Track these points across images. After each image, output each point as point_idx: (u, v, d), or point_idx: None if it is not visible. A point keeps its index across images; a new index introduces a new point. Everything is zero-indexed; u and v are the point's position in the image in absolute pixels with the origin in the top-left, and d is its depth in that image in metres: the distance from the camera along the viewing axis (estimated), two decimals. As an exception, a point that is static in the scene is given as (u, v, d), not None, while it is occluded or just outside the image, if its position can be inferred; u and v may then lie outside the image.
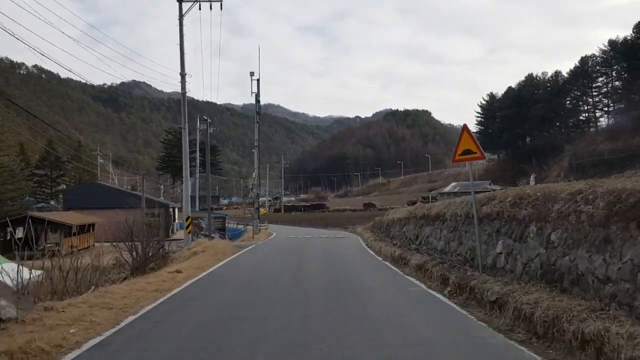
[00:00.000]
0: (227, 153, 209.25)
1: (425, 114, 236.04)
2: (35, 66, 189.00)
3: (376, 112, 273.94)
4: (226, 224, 43.68)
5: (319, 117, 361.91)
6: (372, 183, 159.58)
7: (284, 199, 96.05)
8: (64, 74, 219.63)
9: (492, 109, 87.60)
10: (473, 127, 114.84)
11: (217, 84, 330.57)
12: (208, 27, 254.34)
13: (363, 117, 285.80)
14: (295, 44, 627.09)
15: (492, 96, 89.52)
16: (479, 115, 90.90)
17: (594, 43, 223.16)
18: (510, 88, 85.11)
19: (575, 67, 71.78)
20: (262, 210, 69.55)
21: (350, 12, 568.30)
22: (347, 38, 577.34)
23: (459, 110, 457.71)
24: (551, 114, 71.40)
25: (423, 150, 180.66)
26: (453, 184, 64.52)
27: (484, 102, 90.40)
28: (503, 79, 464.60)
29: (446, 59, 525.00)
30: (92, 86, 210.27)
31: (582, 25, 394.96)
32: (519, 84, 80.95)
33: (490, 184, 60.49)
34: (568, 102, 73.16)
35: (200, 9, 24.68)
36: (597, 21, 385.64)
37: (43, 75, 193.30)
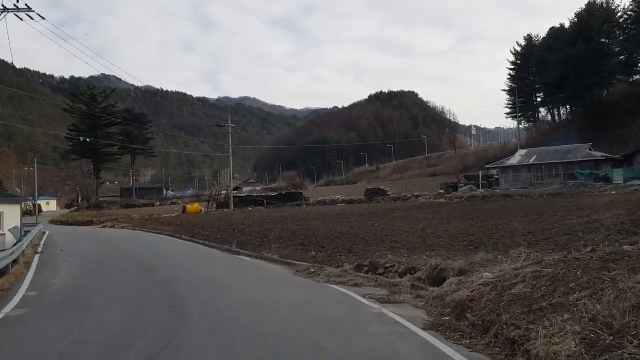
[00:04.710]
0: (198, 144, 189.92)
1: (412, 95, 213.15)
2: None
3: (354, 103, 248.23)
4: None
5: (296, 110, 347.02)
6: (357, 171, 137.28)
7: (246, 189, 69.12)
8: (19, 65, 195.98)
9: (530, 56, 63.11)
10: (503, 86, 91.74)
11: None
12: (177, 22, 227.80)
13: (341, 107, 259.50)
14: (266, 38, 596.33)
15: (529, 40, 64.80)
16: (513, 67, 66.25)
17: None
18: (553, 29, 60.30)
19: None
20: (191, 206, 43.63)
21: (318, 5, 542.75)
22: (317, 32, 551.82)
23: (439, 97, 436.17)
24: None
25: (413, 134, 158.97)
26: (522, 152, 39.63)
27: (518, 49, 65.54)
28: (474, 69, 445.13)
29: (417, 51, 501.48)
30: (52, 77, 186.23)
31: (547, 15, 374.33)
32: (578, 14, 55.98)
33: (590, 149, 36.26)
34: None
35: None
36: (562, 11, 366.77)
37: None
